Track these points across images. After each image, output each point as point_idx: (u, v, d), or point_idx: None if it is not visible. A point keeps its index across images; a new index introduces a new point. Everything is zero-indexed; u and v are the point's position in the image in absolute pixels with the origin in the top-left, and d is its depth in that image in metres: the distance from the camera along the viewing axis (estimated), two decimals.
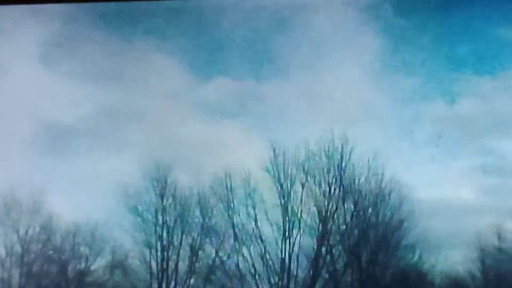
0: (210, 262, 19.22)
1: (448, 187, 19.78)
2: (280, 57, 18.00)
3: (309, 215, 19.33)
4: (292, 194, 19.25)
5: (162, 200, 19.45)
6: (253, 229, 19.14)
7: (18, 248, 19.51)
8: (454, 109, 18.49)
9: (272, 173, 19.20)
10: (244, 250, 19.13)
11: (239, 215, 19.22)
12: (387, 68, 17.64)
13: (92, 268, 19.63)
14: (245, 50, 17.46)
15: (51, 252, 19.64)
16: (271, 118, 19.08)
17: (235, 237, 19.14)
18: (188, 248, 19.28)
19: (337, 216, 19.55)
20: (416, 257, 19.55)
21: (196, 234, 19.31)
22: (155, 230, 19.35)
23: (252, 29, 17.38)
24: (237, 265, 19.14)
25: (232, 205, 19.30)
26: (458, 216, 18.95)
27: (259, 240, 19.14)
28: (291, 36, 17.48)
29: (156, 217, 19.38)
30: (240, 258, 19.11)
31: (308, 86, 18.33)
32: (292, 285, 19.40)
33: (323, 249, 19.48)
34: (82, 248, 19.67)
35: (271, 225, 19.08)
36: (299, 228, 19.20)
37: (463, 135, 19.11)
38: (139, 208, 19.39)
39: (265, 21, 17.43)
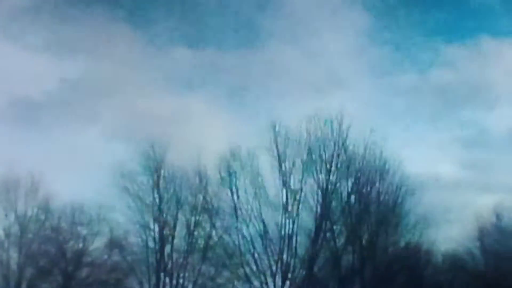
0: (208, 240, 19.24)
1: (431, 162, 19.71)
2: (254, 29, 18.01)
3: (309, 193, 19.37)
4: (292, 171, 19.25)
5: (158, 179, 19.34)
6: (251, 207, 19.15)
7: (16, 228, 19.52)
8: (427, 79, 18.49)
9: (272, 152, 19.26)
10: (244, 229, 19.19)
11: (238, 195, 19.22)
12: (362, 41, 17.69)
13: (91, 248, 19.65)
14: (218, 21, 17.35)
15: (49, 232, 19.63)
16: (242, 90, 19.05)
17: (235, 216, 19.12)
18: (185, 227, 19.31)
19: (338, 193, 19.47)
20: (416, 235, 19.54)
21: (191, 213, 19.32)
22: (152, 210, 19.29)
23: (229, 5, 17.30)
24: (237, 244, 19.12)
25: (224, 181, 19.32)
26: (445, 191, 18.68)
27: (258, 218, 19.16)
28: (269, 11, 17.44)
29: (153, 197, 19.31)
30: (240, 236, 19.17)
31: (282, 58, 18.42)
32: (292, 262, 19.35)
33: (323, 227, 19.42)
34: (80, 228, 19.67)
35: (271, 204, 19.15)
36: (299, 205, 19.18)
37: (439, 106, 19.14)
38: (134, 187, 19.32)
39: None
